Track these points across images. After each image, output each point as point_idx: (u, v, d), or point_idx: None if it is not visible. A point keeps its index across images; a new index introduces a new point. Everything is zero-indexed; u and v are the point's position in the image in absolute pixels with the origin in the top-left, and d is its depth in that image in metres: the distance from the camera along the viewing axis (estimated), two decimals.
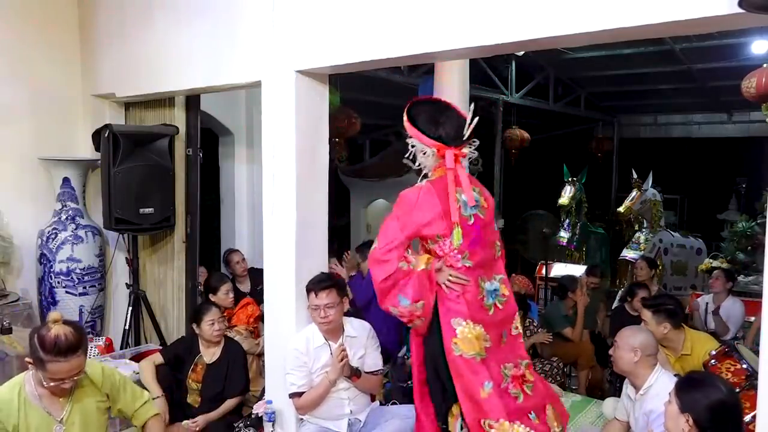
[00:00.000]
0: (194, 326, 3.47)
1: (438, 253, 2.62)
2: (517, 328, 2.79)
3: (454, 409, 2.65)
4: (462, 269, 2.60)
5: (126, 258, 4.39)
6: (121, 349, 4.13)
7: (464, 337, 2.56)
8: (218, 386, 3.37)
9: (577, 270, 6.65)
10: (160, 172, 4.10)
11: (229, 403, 3.38)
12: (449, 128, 2.65)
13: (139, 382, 3.17)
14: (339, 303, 2.97)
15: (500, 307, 2.69)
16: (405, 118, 2.63)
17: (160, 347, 4.13)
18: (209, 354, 3.44)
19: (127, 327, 4.19)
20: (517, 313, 2.82)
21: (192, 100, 4.27)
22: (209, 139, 5.61)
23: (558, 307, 5.03)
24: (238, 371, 3.42)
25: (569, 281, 5.09)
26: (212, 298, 4.05)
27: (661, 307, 3.37)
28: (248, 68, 3.31)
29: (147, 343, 4.34)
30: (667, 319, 3.32)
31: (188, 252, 4.37)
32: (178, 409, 3.35)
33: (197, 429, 3.24)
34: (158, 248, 4.47)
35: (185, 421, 3.27)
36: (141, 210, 4.00)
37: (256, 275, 4.69)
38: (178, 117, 4.24)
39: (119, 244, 4.45)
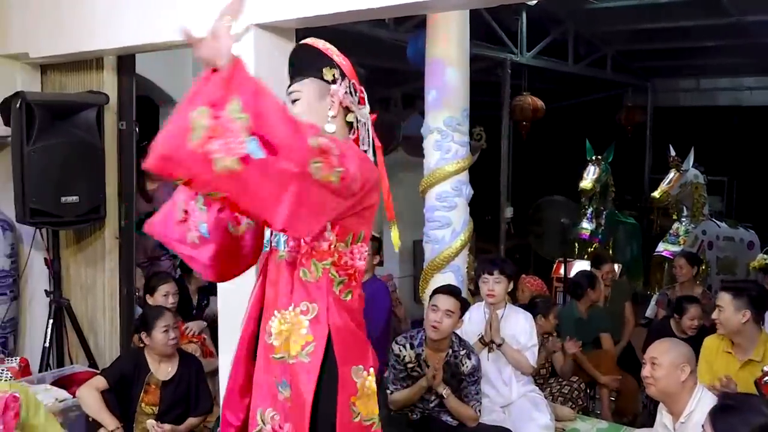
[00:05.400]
0: (143, 335, 3.50)
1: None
2: None
3: None
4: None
5: (45, 259, 4.36)
6: (41, 371, 4.12)
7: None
8: (179, 407, 3.46)
9: None
10: (85, 152, 4.07)
11: (193, 421, 3.49)
12: None
13: (67, 412, 3.18)
14: None
15: None
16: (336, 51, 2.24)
17: (89, 368, 4.13)
18: (162, 370, 3.50)
19: (47, 344, 4.18)
20: None
21: (125, 61, 4.24)
22: (148, 109, 5.57)
23: (570, 311, 5.07)
24: (201, 387, 3.54)
25: (586, 276, 5.22)
26: (149, 300, 4.10)
27: (744, 291, 3.43)
28: (195, 22, 3.27)
29: (72, 363, 4.33)
30: (749, 306, 3.37)
31: (123, 250, 4.35)
32: None
33: None
34: (85, 246, 4.45)
35: (150, 420, 3.36)
36: (63, 199, 3.98)
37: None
38: (107, 82, 4.22)
39: (36, 241, 4.41)
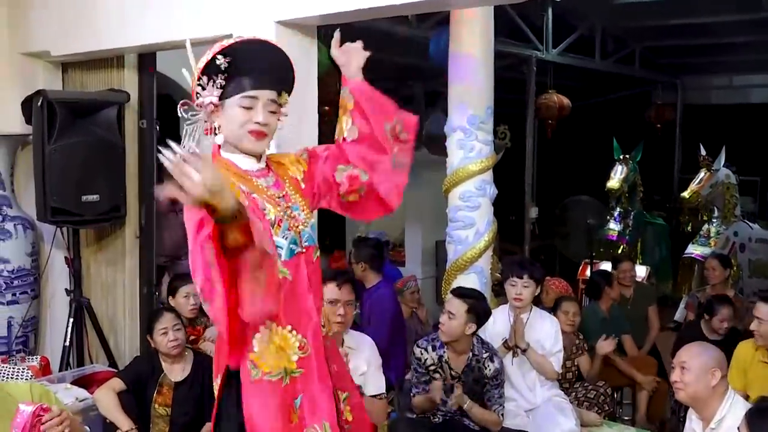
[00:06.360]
0: (148, 338, 3.52)
1: None
2: None
3: None
4: None
5: (65, 258, 4.40)
6: (61, 370, 4.16)
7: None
8: (193, 410, 3.41)
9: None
10: (106, 150, 4.10)
11: (209, 427, 3.42)
12: None
13: (87, 411, 3.18)
14: (353, 304, 3.21)
15: None
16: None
17: (109, 368, 4.16)
18: (175, 371, 3.47)
19: (67, 343, 4.21)
20: None
21: (146, 59, 4.26)
22: (168, 107, 5.60)
23: (594, 311, 5.02)
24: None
25: (602, 274, 5.23)
26: (171, 301, 4.08)
27: None
28: (216, 19, 3.30)
29: (93, 363, 4.36)
30: None
31: (143, 249, 4.38)
32: None
33: None
34: (105, 245, 4.48)
35: None
36: (83, 197, 4.00)
37: None
38: (128, 80, 4.24)
39: (57, 240, 4.46)
